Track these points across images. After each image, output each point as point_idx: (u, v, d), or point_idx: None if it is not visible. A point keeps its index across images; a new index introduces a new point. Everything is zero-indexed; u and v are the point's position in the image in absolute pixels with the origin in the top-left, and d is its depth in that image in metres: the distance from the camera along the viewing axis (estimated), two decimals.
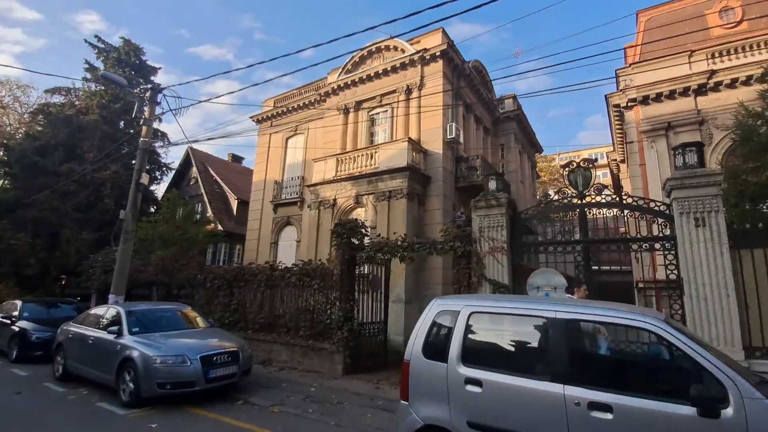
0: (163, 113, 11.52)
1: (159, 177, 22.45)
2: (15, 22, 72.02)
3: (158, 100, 11.43)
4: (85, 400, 6.25)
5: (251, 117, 20.38)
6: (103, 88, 20.00)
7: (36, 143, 17.42)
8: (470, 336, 3.47)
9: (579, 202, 6.83)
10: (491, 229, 7.09)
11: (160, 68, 22.90)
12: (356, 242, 8.55)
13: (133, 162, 20.96)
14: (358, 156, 13.93)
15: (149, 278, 11.93)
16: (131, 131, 20.40)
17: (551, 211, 7.37)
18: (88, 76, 20.39)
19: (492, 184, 7.52)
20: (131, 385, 5.86)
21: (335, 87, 16.58)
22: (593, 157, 9.90)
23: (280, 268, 9.82)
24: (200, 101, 11.47)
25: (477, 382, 3.24)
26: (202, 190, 26.16)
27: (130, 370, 5.94)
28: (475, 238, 7.18)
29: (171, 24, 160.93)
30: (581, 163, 7.07)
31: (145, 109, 11.30)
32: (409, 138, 13.13)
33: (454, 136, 13.69)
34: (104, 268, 12.77)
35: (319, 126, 17.29)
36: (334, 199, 14.07)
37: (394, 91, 14.98)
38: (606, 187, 8.51)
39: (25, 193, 16.31)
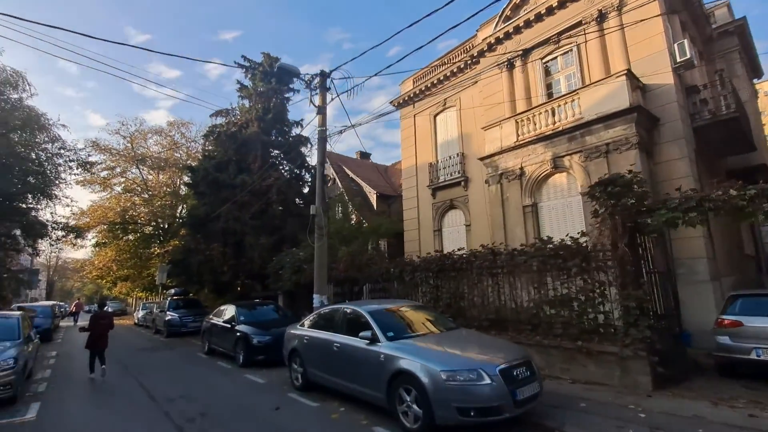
0: (332, 99, 10.77)
1: (309, 180, 23.04)
2: (165, 81, 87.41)
3: (327, 86, 10.68)
4: (353, 421, 5.12)
5: (391, 102, 19.27)
6: (249, 102, 21.19)
7: (212, 161, 19.12)
8: None
9: None
10: None
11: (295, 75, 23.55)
12: (633, 203, 6.05)
13: (283, 169, 22.00)
14: (547, 111, 11.29)
15: (339, 275, 11.32)
16: (280, 139, 21.16)
17: None
18: (241, 94, 21.88)
19: None
20: (416, 408, 4.46)
21: (491, 42, 14.16)
22: None
23: (503, 251, 7.89)
24: (369, 77, 10.31)
25: None
26: (342, 189, 26.71)
27: (409, 389, 4.56)
28: None
29: (272, 51, 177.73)
30: None
31: (316, 97, 10.63)
32: (628, 70, 9.96)
33: (688, 56, 9.97)
34: (293, 268, 12.73)
35: (475, 92, 15.12)
36: (521, 168, 11.68)
37: (578, 24, 11.89)
38: None
39: (212, 208, 17.87)
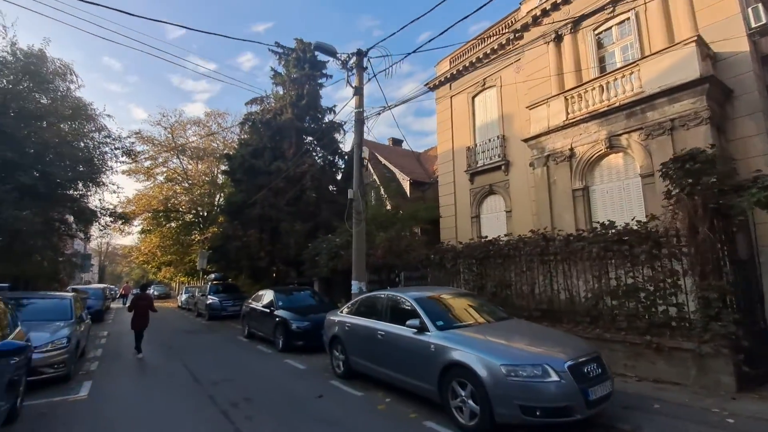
0: (368, 80, 10.38)
1: (342, 166, 22.89)
2: (199, 75, 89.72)
3: (364, 65, 10.28)
4: (401, 414, 4.84)
5: (426, 84, 18.58)
6: (283, 89, 21.13)
7: (248, 149, 19.31)
8: None
9: None
10: None
11: (327, 61, 23.25)
12: (714, 181, 5.29)
13: (317, 156, 21.91)
14: (601, 86, 10.36)
15: (377, 262, 11.05)
16: (314, 125, 21.01)
17: None
18: (275, 81, 21.89)
19: None
20: (472, 403, 4.10)
21: (537, 14, 13.18)
22: None
23: (557, 237, 7.30)
24: (408, 53, 9.79)
25: None
26: (374, 176, 26.38)
27: (463, 383, 4.20)
28: None
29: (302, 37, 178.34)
30: None
31: (353, 78, 10.26)
32: (698, 36, 8.90)
33: (764, 21, 8.82)
34: (330, 254, 12.61)
35: (518, 70, 14.25)
36: (571, 149, 10.86)
37: None
38: None
39: (248, 195, 18.09)
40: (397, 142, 34.67)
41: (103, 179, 13.76)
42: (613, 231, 6.36)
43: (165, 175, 34.77)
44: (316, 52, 22.75)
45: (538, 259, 7.43)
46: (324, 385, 6.24)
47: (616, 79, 10.11)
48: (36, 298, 8.49)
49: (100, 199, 14.85)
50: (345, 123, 22.56)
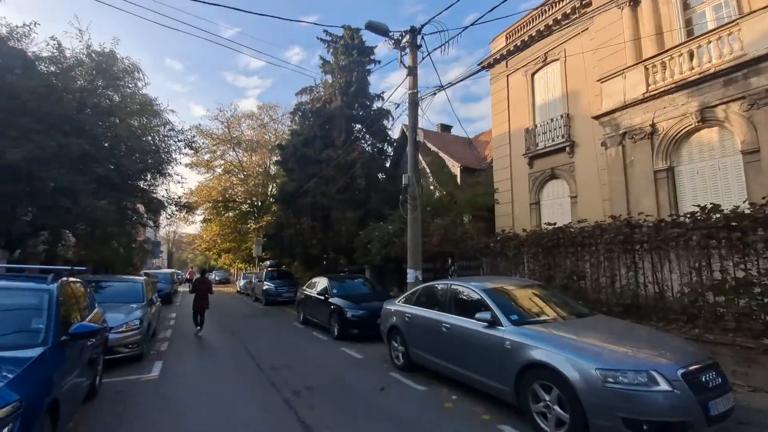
0: (423, 58, 9.84)
1: (391, 153, 22.54)
2: (252, 71, 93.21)
3: (418, 43, 9.75)
4: (471, 414, 4.46)
5: (479, 64, 17.55)
6: (331, 77, 21.03)
7: (299, 138, 19.56)
8: None
9: None
10: None
11: (375, 46, 22.83)
12: None
13: (365, 144, 21.72)
14: (690, 51, 9.01)
15: (432, 250, 10.64)
16: (362, 113, 20.74)
17: None
18: (324, 70, 21.88)
19: None
20: (559, 410, 3.61)
21: None
22: None
23: (645, 223, 6.43)
24: (465, 27, 9.12)
25: None
26: (424, 164, 25.82)
27: (547, 386, 3.72)
28: None
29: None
30: None
31: (406, 57, 9.78)
32: None
33: None
34: (382, 242, 12.40)
35: (585, 41, 12.93)
36: (652, 125, 9.64)
37: None
38: None
39: (300, 184, 18.36)
40: (446, 128, 33.70)
41: (169, 170, 14.53)
42: (718, 215, 5.42)
43: (223, 167, 36.82)
44: (365, 38, 22.52)
45: (620, 248, 6.60)
46: (384, 377, 6.00)
47: (709, 42, 8.75)
48: (112, 281, 9.10)
49: (166, 190, 15.77)
50: (398, 105, 22.14)
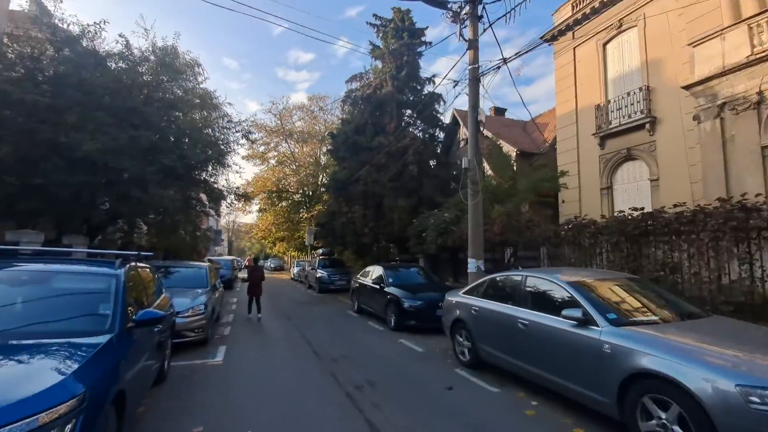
0: (483, 31, 9.06)
1: (442, 139, 21.73)
2: (302, 65, 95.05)
3: (479, 14, 8.98)
4: (560, 426, 3.90)
5: (542, 37, 16.06)
6: (381, 63, 20.52)
7: (350, 126, 19.39)
8: None
9: None
10: None
11: (426, 28, 21.89)
12: None
13: (416, 130, 21.06)
14: None
15: (493, 239, 9.96)
16: (413, 98, 20.04)
17: None
18: (373, 55, 21.44)
19: None
20: (679, 431, 2.95)
21: None
22: None
23: (763, 207, 5.36)
24: None
25: None
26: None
27: (664, 402, 3.07)
28: None
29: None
30: None
31: (465, 30, 9.05)
32: None
33: None
34: (438, 230, 11.89)
35: (670, 1, 11.28)
36: (759, 93, 8.13)
37: None
38: None
39: (351, 172, 18.25)
40: (499, 111, 32.14)
41: (228, 161, 15.00)
42: None
43: (276, 158, 38.14)
44: (415, 20, 21.71)
45: (731, 236, 5.57)
46: (450, 374, 5.58)
47: None
48: (178, 266, 9.46)
49: (226, 179, 16.32)
50: (457, 83, 21.24)
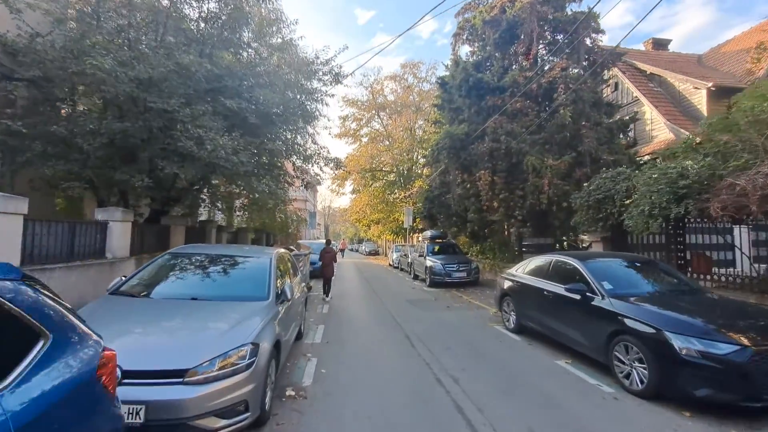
0: None
1: (605, 76, 15.45)
2: (388, 50, 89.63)
3: None
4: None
5: None
6: None
7: (472, 59, 14.50)
8: None
9: None
10: None
11: None
12: None
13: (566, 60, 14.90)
14: None
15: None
16: (557, 14, 13.97)
17: None
18: None
19: None
20: None
21: None
22: None
23: None
24: None
25: None
26: (637, 93, 18.24)
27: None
28: None
29: None
30: None
31: None
32: None
33: None
34: (671, 193, 6.49)
35: None
36: None
37: None
38: None
39: (473, 125, 13.47)
40: (658, 45, 24.06)
41: (316, 112, 11.57)
42: None
43: (368, 135, 35.52)
44: None
45: None
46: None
47: None
48: (216, 255, 6.02)
49: (314, 142, 13.04)
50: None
